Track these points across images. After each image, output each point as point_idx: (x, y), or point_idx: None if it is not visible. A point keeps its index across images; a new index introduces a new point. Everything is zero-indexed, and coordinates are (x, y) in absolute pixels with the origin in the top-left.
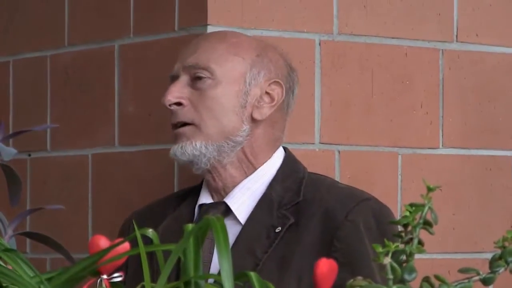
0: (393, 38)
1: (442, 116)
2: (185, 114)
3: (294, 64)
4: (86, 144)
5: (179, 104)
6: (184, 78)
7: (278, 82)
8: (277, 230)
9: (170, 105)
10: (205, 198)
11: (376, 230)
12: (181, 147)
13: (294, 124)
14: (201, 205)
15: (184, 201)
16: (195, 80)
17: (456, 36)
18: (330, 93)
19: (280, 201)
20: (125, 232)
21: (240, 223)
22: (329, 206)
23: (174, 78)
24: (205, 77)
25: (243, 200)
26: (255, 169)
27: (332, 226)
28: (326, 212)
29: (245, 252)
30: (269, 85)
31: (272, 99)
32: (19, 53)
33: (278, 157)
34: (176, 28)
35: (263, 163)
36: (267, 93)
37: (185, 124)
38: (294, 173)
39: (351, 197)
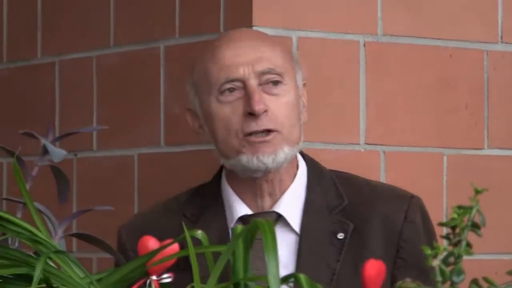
0: (437, 39)
1: (487, 117)
2: (270, 121)
3: (339, 65)
4: (132, 144)
5: (264, 111)
6: (255, 83)
7: (305, 84)
8: (340, 237)
9: (259, 113)
10: (242, 209)
11: (422, 226)
12: (274, 156)
13: (339, 124)
14: (241, 218)
15: (202, 216)
16: (267, 85)
17: (501, 36)
18: (375, 94)
19: (327, 206)
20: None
21: (293, 231)
22: (383, 208)
23: (235, 82)
24: (280, 82)
25: (293, 208)
26: (295, 174)
27: (394, 229)
28: (383, 215)
29: (316, 263)
30: (302, 87)
31: (304, 102)
32: (65, 54)
33: (301, 159)
34: (221, 29)
35: (298, 167)
36: (302, 95)
37: (268, 131)
38: (321, 173)
39: (401, 197)
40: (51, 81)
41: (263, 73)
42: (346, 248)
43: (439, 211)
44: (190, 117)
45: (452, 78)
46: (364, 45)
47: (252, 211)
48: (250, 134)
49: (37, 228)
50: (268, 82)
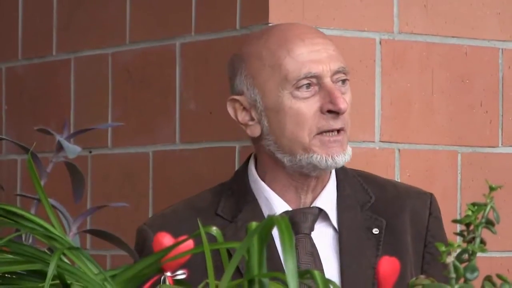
0: (453, 37)
1: (502, 115)
2: (343, 119)
3: (355, 62)
4: (147, 141)
5: None
6: (330, 81)
7: None
8: (375, 232)
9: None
10: (282, 206)
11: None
12: (343, 155)
13: (355, 122)
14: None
15: (239, 214)
16: (337, 83)
17: None
18: (390, 92)
19: (357, 202)
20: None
21: (333, 226)
22: (409, 205)
23: (314, 78)
24: (347, 81)
25: (331, 203)
26: (330, 171)
27: (421, 224)
28: (410, 211)
29: (358, 258)
30: None
31: None
32: (81, 51)
33: None
34: (237, 27)
35: None
36: None
37: (339, 130)
38: (346, 172)
39: (422, 194)
40: (67, 78)
41: (337, 71)
42: (382, 243)
43: (453, 208)
44: (235, 108)
45: (467, 76)
46: (380, 43)
47: (292, 207)
48: (322, 132)
49: (51, 224)
50: (338, 80)
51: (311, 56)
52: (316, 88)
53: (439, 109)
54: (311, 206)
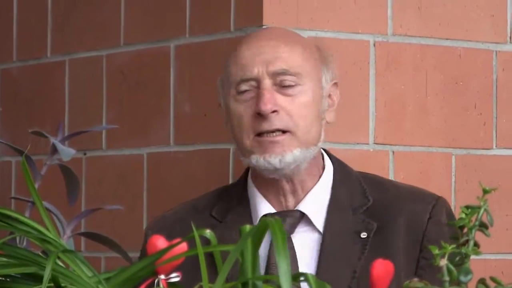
0: (447, 39)
1: (496, 117)
2: (281, 121)
3: (349, 65)
4: (142, 143)
5: (274, 111)
6: (269, 83)
7: (336, 83)
8: (362, 236)
9: (267, 113)
10: (266, 208)
11: (448, 228)
12: (281, 157)
13: (348, 124)
14: (265, 217)
15: (228, 214)
16: (283, 86)
17: (510, 37)
18: (384, 94)
19: (351, 205)
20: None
21: (317, 230)
22: (408, 208)
23: (250, 81)
24: (295, 84)
25: (317, 207)
26: (320, 174)
27: (419, 228)
28: (408, 215)
29: (338, 262)
30: (331, 86)
31: (333, 101)
32: (75, 53)
33: (327, 159)
34: (232, 29)
35: (323, 167)
36: (329, 95)
37: (279, 131)
38: (348, 174)
39: (426, 197)
40: (61, 80)
41: (277, 73)
42: (369, 247)
43: None
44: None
45: (461, 78)
46: (374, 45)
47: (276, 210)
48: (261, 134)
49: (46, 227)
50: (282, 82)
51: (252, 59)
52: (257, 91)
53: (433, 111)
54: (293, 209)
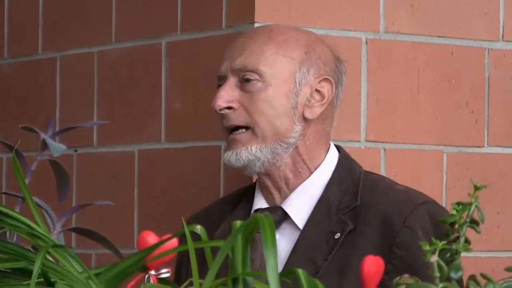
0: (439, 37)
1: (488, 115)
2: (237, 117)
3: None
4: (133, 140)
5: (229, 108)
6: (232, 80)
7: (327, 78)
8: (336, 237)
9: (220, 109)
10: (260, 203)
11: (434, 234)
12: (236, 153)
13: (340, 121)
14: (257, 210)
15: (238, 204)
16: (244, 82)
17: (502, 35)
18: (376, 91)
19: (338, 205)
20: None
21: (298, 228)
22: (386, 211)
23: (222, 79)
24: (254, 80)
25: (301, 205)
26: (311, 172)
27: (391, 233)
28: (383, 218)
29: (305, 259)
30: (319, 82)
31: (323, 96)
32: (67, 49)
33: (332, 157)
34: (223, 26)
35: (319, 165)
36: (317, 90)
37: (238, 127)
38: (350, 174)
39: (407, 202)
40: (53, 77)
41: (239, 70)
42: (337, 248)
43: None
44: None
45: (453, 76)
46: (366, 42)
47: (268, 205)
48: (232, 131)
49: (36, 222)
50: (244, 79)
51: (224, 56)
52: None
53: (425, 109)
54: (277, 206)
